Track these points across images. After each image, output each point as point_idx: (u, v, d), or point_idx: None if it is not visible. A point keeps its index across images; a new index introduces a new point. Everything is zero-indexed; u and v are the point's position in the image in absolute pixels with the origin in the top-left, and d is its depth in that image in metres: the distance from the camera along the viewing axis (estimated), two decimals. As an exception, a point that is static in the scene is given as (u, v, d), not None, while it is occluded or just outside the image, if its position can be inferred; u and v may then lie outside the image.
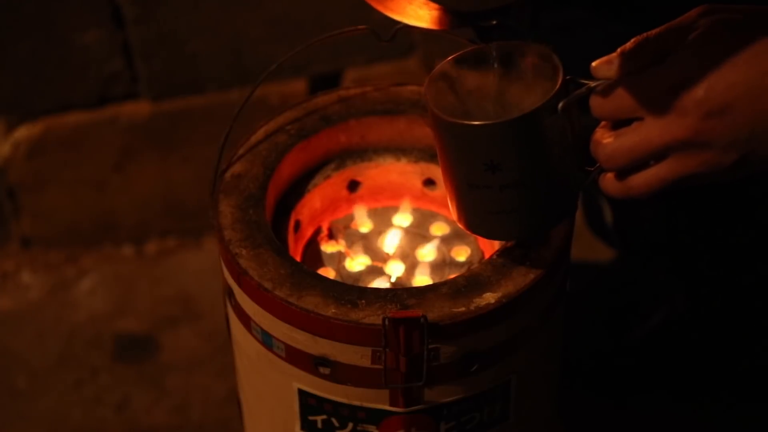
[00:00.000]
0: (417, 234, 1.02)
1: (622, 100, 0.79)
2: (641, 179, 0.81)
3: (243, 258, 0.90)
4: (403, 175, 1.03)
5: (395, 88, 1.04)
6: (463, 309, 0.86)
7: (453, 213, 0.88)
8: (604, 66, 0.80)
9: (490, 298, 0.87)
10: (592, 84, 0.81)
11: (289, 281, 0.88)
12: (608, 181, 0.83)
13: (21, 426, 1.43)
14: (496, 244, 0.97)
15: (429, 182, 1.03)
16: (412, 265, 0.99)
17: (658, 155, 0.79)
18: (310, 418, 0.92)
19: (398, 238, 1.01)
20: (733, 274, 1.33)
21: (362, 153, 1.03)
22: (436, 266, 0.99)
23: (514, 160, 0.82)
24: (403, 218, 1.03)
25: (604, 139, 0.81)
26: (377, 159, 1.03)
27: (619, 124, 0.81)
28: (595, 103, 0.81)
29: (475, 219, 0.87)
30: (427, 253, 1.00)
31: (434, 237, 1.01)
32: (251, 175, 0.97)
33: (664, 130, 0.78)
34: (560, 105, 0.81)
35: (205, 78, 1.56)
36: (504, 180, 0.82)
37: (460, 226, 0.89)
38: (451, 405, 0.90)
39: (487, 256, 0.97)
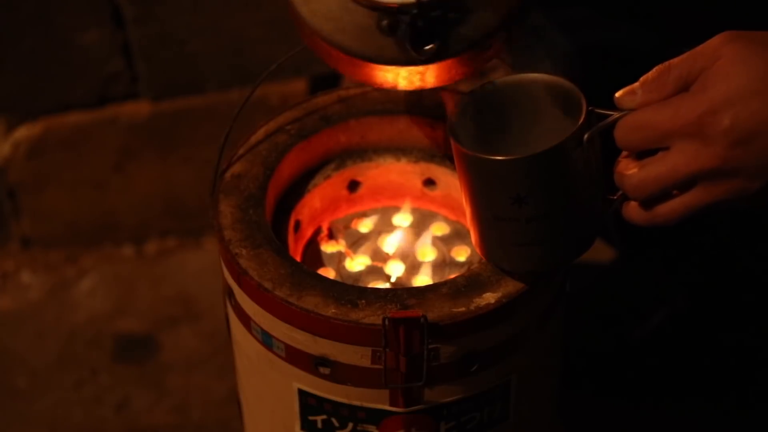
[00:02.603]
0: (417, 234, 1.02)
1: (647, 131, 0.79)
2: (668, 208, 0.81)
3: (243, 258, 0.90)
4: (403, 175, 1.03)
5: (395, 88, 1.04)
6: (463, 309, 0.86)
7: (475, 243, 0.88)
8: (628, 96, 0.80)
9: (490, 298, 0.87)
10: (617, 115, 0.81)
11: (289, 281, 0.88)
12: (632, 209, 0.83)
13: (21, 426, 1.43)
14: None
15: (429, 182, 1.03)
16: (412, 265, 0.99)
17: (685, 184, 0.80)
18: (310, 418, 0.92)
19: (400, 238, 1.01)
20: (733, 274, 1.33)
21: (362, 153, 1.03)
22: (436, 266, 0.99)
23: (541, 192, 0.82)
24: (403, 218, 1.03)
25: (630, 169, 0.81)
26: (377, 159, 1.03)
27: (643, 153, 0.81)
28: (620, 134, 0.81)
29: (499, 251, 0.87)
30: (427, 251, 1.00)
31: (432, 236, 1.01)
32: (251, 175, 0.96)
33: (691, 159, 0.78)
34: (585, 136, 0.81)
35: (205, 78, 1.56)
36: (530, 212, 0.83)
37: (482, 256, 0.89)
38: (451, 405, 0.90)
39: (487, 256, 0.97)
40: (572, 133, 0.81)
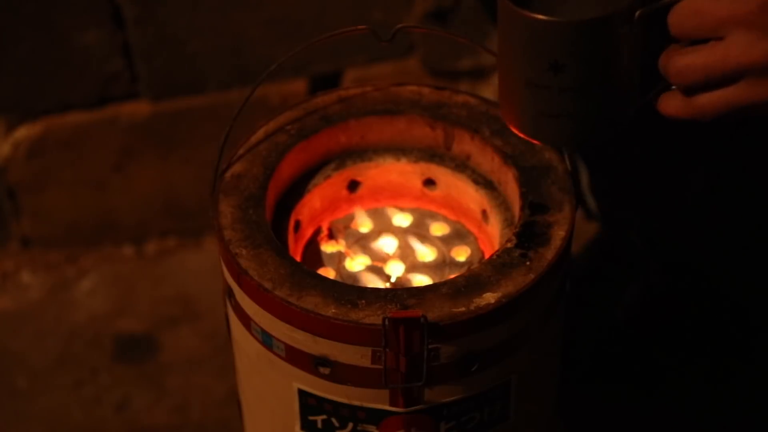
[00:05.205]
0: (417, 234, 1.02)
1: (703, 17, 0.77)
2: (706, 99, 0.79)
3: (243, 258, 0.90)
4: (403, 175, 1.03)
5: (395, 88, 1.04)
6: (463, 309, 0.86)
7: (503, 113, 0.87)
8: None
9: (490, 298, 0.87)
10: None
11: (289, 281, 0.88)
12: (670, 99, 0.81)
13: (21, 426, 1.43)
14: (496, 244, 0.97)
15: (429, 182, 1.03)
16: (412, 265, 0.99)
17: (730, 77, 0.78)
18: (310, 418, 0.92)
19: (395, 241, 1.01)
20: (706, 252, 1.32)
21: (362, 153, 1.03)
22: (436, 266, 0.99)
23: (580, 63, 0.80)
24: (403, 218, 1.03)
25: (677, 53, 0.79)
26: (377, 159, 1.03)
27: (694, 43, 0.79)
28: (675, 19, 0.79)
29: (526, 119, 0.85)
30: (427, 253, 1.00)
31: (434, 237, 1.01)
32: (251, 175, 0.97)
33: (743, 51, 0.76)
34: (636, 14, 0.79)
35: (205, 78, 1.56)
36: (564, 82, 0.81)
37: (509, 125, 0.87)
38: (451, 405, 0.90)
39: (487, 256, 0.97)
40: (623, 7, 0.79)
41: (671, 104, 0.82)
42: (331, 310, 0.86)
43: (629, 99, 0.84)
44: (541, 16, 0.79)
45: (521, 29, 0.81)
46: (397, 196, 1.04)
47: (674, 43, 0.81)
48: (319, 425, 0.92)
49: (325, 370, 0.88)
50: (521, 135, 0.87)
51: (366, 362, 0.87)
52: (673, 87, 0.82)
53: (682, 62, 0.79)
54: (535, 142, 0.88)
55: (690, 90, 0.80)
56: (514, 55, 0.83)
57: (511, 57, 0.83)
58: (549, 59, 0.80)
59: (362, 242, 1.01)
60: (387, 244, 1.00)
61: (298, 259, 0.98)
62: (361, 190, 1.04)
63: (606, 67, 0.81)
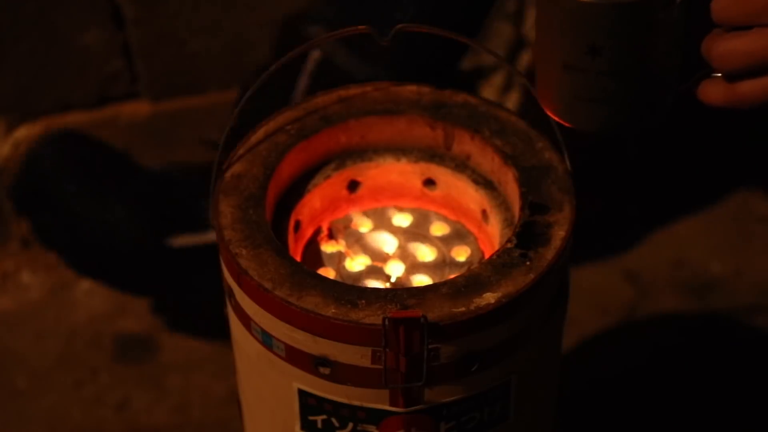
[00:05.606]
0: (417, 234, 1.02)
1: (749, 3, 0.76)
2: (748, 87, 0.78)
3: (243, 258, 0.90)
4: (403, 175, 1.03)
5: (395, 88, 1.04)
6: (463, 309, 0.86)
7: (540, 97, 0.86)
8: None
9: (490, 298, 0.87)
10: None
11: (289, 281, 0.88)
12: (711, 86, 0.80)
13: (21, 426, 1.43)
14: (496, 244, 0.97)
15: (429, 182, 1.03)
16: (412, 265, 0.99)
17: None
18: (310, 418, 0.92)
19: (394, 238, 1.01)
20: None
21: (362, 153, 1.03)
22: (436, 266, 0.99)
23: (619, 47, 0.79)
24: (403, 218, 1.03)
25: (721, 38, 0.78)
26: (377, 159, 1.03)
27: (738, 29, 0.78)
28: (719, 5, 0.77)
29: (563, 103, 0.84)
30: (427, 253, 1.00)
31: (434, 237, 1.01)
32: (251, 175, 0.97)
33: None
34: None
35: (205, 78, 1.56)
36: (602, 66, 0.80)
37: (545, 110, 0.86)
38: (451, 405, 0.90)
39: (487, 256, 0.97)
40: None
41: (712, 91, 0.80)
42: (331, 310, 0.86)
43: (668, 85, 0.83)
44: None
45: (559, 11, 0.80)
46: (397, 196, 1.04)
47: (717, 28, 0.80)
48: (319, 425, 0.92)
49: (325, 370, 0.88)
50: (557, 119, 0.86)
51: (366, 362, 0.87)
52: (714, 74, 0.81)
53: (726, 47, 0.78)
54: (569, 126, 0.87)
55: (732, 77, 0.79)
56: (552, 38, 0.82)
57: (548, 39, 0.82)
58: (587, 42, 0.79)
59: (362, 242, 1.01)
60: (386, 241, 1.00)
61: (298, 259, 0.98)
62: (361, 190, 1.04)
63: (645, 51, 0.80)
